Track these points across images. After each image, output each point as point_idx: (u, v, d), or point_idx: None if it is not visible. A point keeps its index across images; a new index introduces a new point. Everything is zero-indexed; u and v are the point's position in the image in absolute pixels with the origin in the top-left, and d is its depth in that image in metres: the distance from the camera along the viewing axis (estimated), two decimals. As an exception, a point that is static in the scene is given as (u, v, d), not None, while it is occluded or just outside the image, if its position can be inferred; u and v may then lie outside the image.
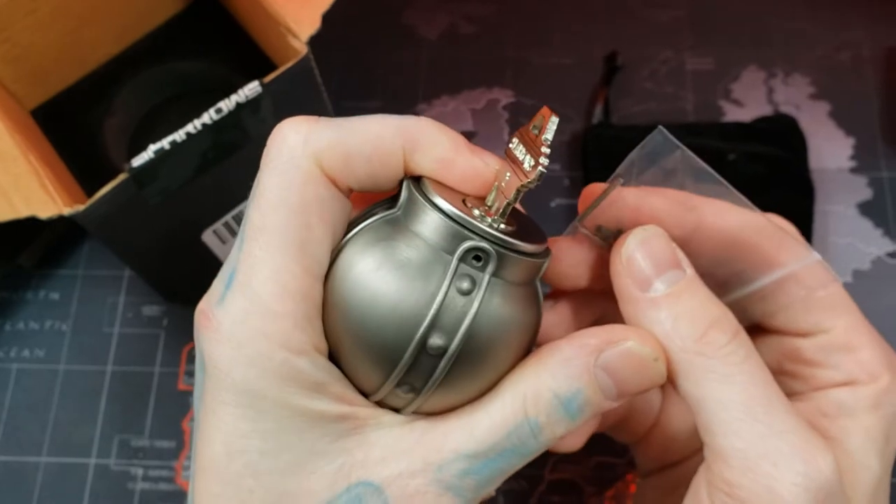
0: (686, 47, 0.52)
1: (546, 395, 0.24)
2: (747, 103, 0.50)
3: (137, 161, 0.35)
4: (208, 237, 0.43)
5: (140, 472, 0.43)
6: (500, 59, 0.52)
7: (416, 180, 0.25)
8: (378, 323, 0.24)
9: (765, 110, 0.50)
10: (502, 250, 0.24)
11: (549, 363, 0.25)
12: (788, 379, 0.29)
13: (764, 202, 0.45)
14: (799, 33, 0.52)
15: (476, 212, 0.25)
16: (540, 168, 0.24)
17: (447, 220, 0.24)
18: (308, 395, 0.24)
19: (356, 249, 0.25)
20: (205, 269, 0.45)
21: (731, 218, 0.29)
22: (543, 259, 0.26)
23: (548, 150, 0.24)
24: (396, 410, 0.26)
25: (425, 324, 0.23)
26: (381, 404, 0.26)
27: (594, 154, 0.47)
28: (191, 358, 0.45)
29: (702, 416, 0.25)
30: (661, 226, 0.27)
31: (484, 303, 0.24)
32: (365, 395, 0.25)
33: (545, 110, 0.24)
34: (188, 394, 0.45)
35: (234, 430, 0.24)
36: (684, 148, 0.28)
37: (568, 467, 0.42)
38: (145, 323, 0.46)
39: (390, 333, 0.24)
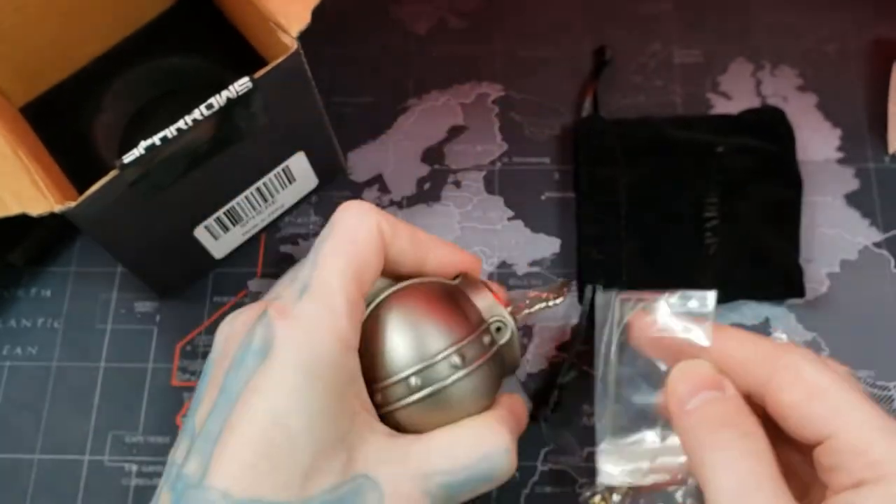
0: (674, 40, 0.52)
1: (505, 430, 0.33)
2: (735, 96, 0.50)
3: (128, 157, 0.35)
4: (200, 233, 0.43)
5: (134, 468, 0.43)
6: (489, 54, 0.52)
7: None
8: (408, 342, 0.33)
9: (753, 102, 0.50)
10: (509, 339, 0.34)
11: (503, 406, 0.34)
12: (811, 488, 0.30)
13: (752, 194, 0.46)
14: (785, 25, 0.52)
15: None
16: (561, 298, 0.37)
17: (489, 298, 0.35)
18: (345, 385, 0.30)
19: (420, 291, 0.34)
20: (197, 264, 0.46)
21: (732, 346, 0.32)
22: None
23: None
24: (385, 406, 0.33)
25: (413, 369, 0.32)
26: (383, 391, 0.32)
27: (584, 147, 0.48)
28: (184, 354, 0.45)
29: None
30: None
31: (462, 379, 0.32)
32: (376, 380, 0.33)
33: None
34: (182, 389, 0.45)
35: (288, 404, 0.29)
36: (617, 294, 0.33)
37: (560, 458, 0.42)
38: (138, 319, 0.47)
39: (405, 354, 0.32)
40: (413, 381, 0.32)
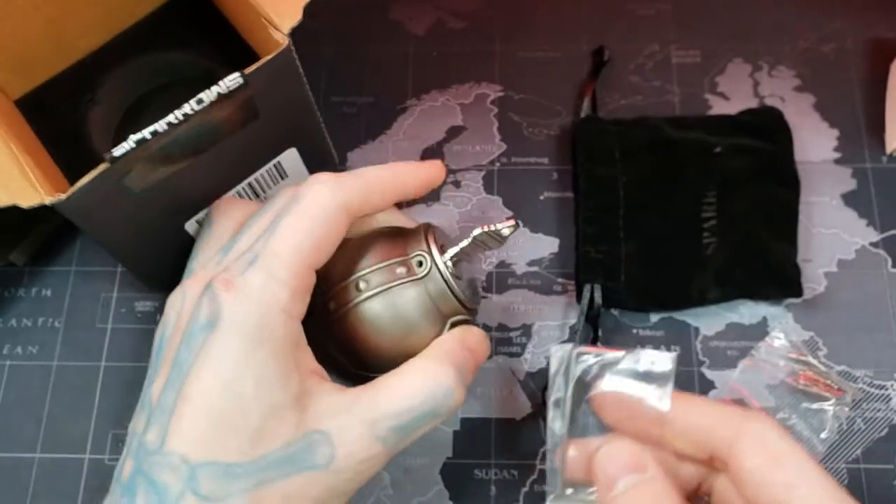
0: (672, 41, 0.52)
1: (451, 369, 0.35)
2: (733, 96, 0.51)
3: (118, 151, 0.35)
4: (192, 227, 0.43)
5: (135, 466, 0.43)
6: (487, 54, 0.53)
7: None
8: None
9: (750, 103, 0.50)
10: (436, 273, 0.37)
11: (447, 344, 0.36)
12: None
13: (750, 194, 0.46)
14: (783, 26, 0.52)
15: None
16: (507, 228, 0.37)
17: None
18: (291, 351, 0.33)
19: None
20: (188, 258, 0.46)
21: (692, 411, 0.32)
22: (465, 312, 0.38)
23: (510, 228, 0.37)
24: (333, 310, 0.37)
25: (365, 271, 0.37)
26: (337, 294, 0.37)
27: (582, 148, 0.48)
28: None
29: None
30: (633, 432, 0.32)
31: (395, 291, 0.36)
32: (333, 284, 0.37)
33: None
34: (182, 388, 0.45)
35: (235, 372, 0.31)
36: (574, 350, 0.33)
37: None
38: (139, 318, 0.47)
39: (342, 271, 0.38)
40: (356, 286, 0.37)
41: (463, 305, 0.37)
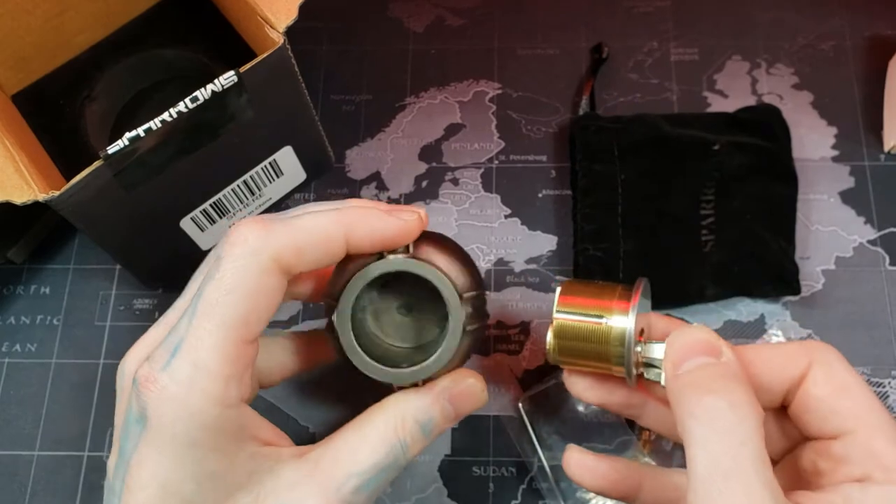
0: (670, 38, 0.52)
1: (411, 422, 0.32)
2: (731, 93, 0.51)
3: (112, 148, 0.35)
4: (186, 224, 0.43)
5: (133, 463, 0.43)
6: (486, 52, 0.53)
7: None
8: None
9: (749, 100, 0.50)
10: None
11: (411, 399, 0.32)
12: (819, 477, 0.30)
13: (748, 192, 0.46)
14: (781, 23, 0.52)
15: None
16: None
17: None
18: (234, 439, 0.30)
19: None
20: (183, 256, 0.46)
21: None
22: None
23: None
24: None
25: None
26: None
27: (581, 145, 0.48)
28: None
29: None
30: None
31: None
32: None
33: None
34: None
35: (172, 476, 0.29)
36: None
37: (557, 454, 0.42)
38: (137, 316, 0.47)
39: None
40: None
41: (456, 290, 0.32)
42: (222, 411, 0.29)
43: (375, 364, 0.32)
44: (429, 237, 0.33)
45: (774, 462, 0.31)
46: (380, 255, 0.32)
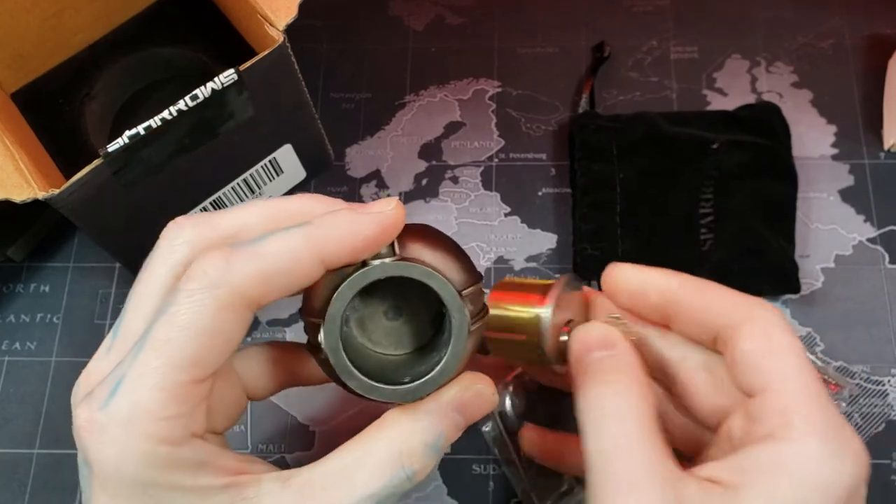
0: (670, 36, 0.52)
1: (419, 447, 0.29)
2: (731, 92, 0.51)
3: (112, 146, 0.35)
4: None
5: (133, 462, 0.43)
6: (486, 50, 0.53)
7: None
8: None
9: (748, 99, 0.50)
10: None
11: (418, 419, 0.29)
12: (738, 440, 0.29)
13: (747, 190, 0.46)
14: (781, 22, 0.52)
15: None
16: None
17: None
18: (193, 475, 0.27)
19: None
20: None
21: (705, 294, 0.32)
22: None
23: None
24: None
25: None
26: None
27: (580, 143, 0.48)
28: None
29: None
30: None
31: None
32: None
33: None
34: (180, 384, 0.45)
35: None
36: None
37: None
38: (136, 314, 0.47)
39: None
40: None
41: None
42: (171, 450, 0.26)
43: (376, 385, 0.28)
44: (412, 231, 0.30)
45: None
46: (363, 262, 0.28)
